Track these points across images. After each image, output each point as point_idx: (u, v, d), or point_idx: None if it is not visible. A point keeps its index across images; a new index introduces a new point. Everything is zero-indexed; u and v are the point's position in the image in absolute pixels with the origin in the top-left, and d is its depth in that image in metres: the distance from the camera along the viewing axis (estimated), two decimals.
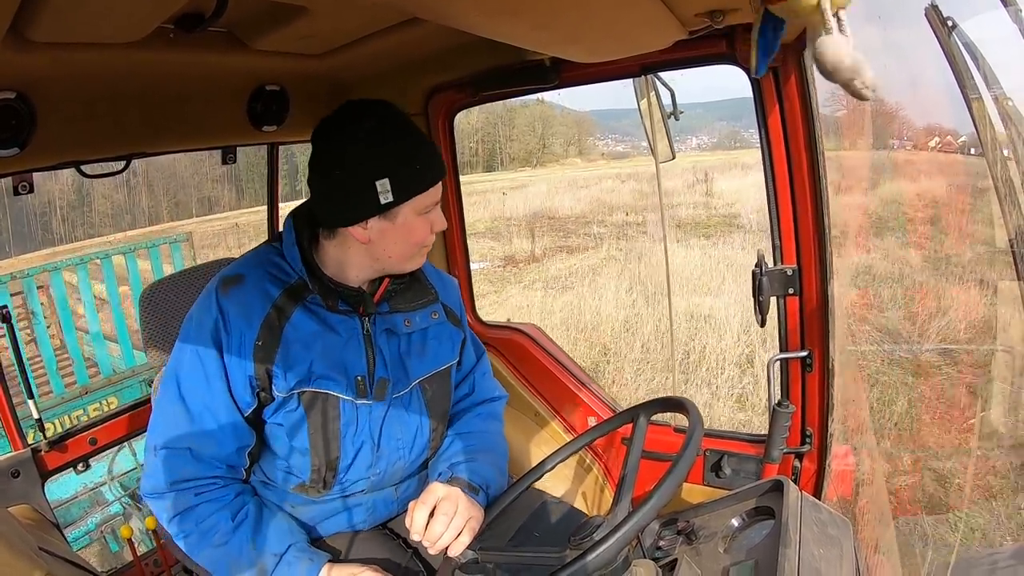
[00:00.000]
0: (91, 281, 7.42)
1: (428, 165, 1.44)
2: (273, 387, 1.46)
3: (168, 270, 7.97)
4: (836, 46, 0.76)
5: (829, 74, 0.77)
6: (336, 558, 1.55)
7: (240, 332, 1.43)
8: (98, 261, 7.56)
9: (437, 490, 1.47)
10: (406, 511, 1.71)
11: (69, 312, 7.23)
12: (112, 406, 6.63)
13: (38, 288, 7.25)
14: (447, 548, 1.40)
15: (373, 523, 1.70)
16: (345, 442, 1.52)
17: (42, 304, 7.24)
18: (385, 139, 1.41)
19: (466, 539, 1.41)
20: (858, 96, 0.77)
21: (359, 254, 1.49)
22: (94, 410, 6.58)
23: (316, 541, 1.62)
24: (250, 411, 1.47)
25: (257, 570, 1.42)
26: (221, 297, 1.45)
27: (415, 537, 1.41)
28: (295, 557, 1.44)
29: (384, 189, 1.39)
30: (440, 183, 1.47)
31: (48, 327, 7.28)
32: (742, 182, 24.34)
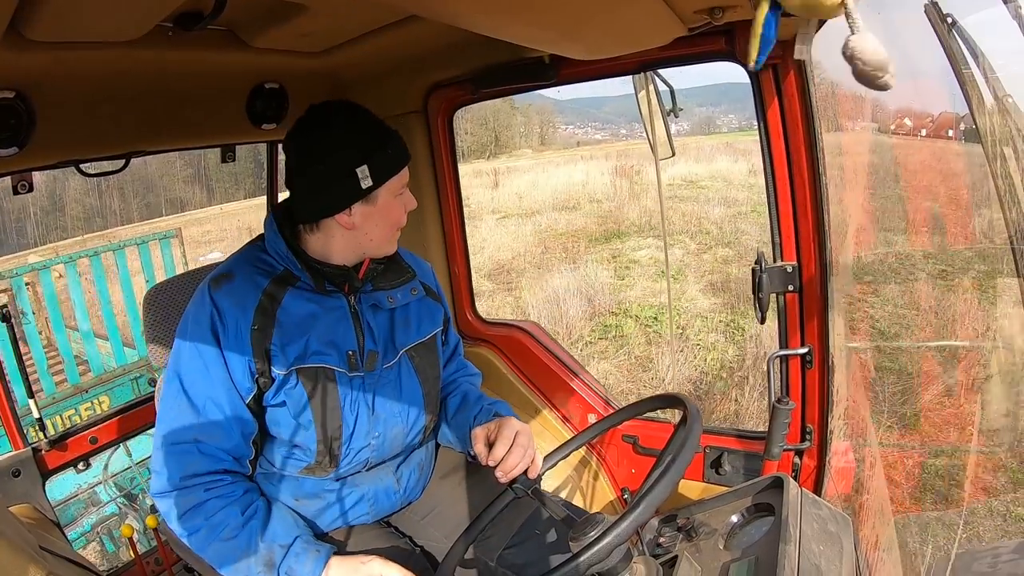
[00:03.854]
0: (80, 279, 7.36)
1: (397, 149, 1.55)
2: (272, 368, 1.51)
3: (158, 266, 7.98)
4: (872, 43, 0.76)
5: (866, 72, 0.77)
6: (341, 552, 1.56)
7: (236, 321, 1.50)
8: (87, 259, 7.50)
9: (514, 423, 1.61)
10: (408, 505, 1.79)
11: (59, 311, 7.20)
12: (104, 405, 6.65)
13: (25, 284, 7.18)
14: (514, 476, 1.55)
15: (376, 516, 1.73)
16: (345, 412, 1.58)
17: (31, 303, 7.19)
18: (358, 131, 1.52)
19: (539, 460, 1.60)
20: (883, 88, 0.77)
21: (343, 241, 1.59)
22: (86, 409, 6.55)
23: (320, 536, 1.63)
24: (250, 397, 1.51)
25: (264, 561, 1.44)
26: (214, 292, 1.52)
27: (491, 464, 1.54)
28: (302, 548, 1.46)
29: (364, 175, 1.50)
30: (407, 167, 1.58)
31: (39, 329, 7.26)
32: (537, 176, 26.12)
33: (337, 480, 1.65)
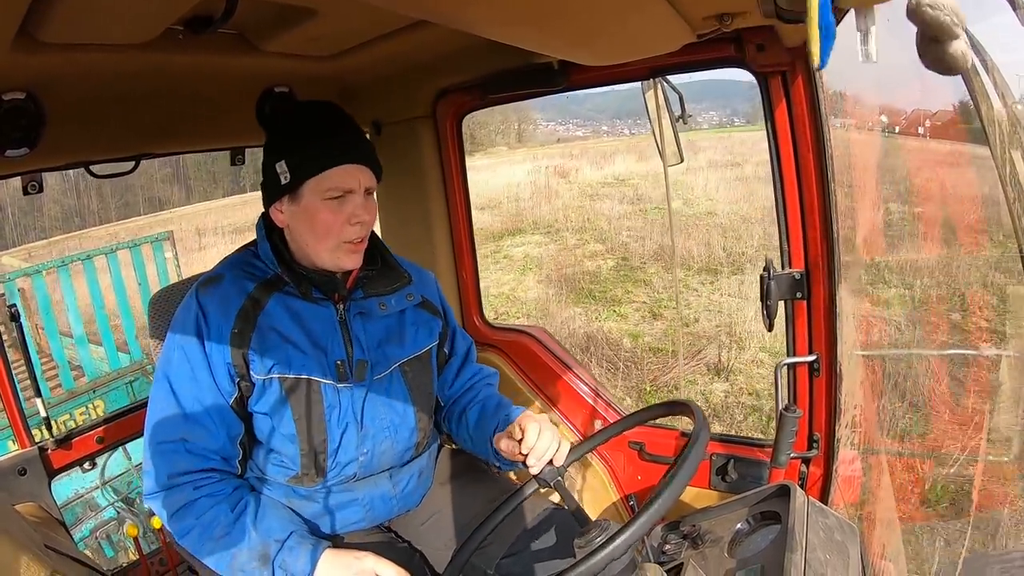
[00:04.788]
0: (73, 283, 7.37)
1: (331, 147, 1.49)
2: (251, 372, 1.51)
3: (151, 269, 8.00)
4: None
5: (937, 17, 0.72)
6: None
7: (218, 323, 1.51)
8: (80, 263, 7.51)
9: (534, 416, 1.59)
10: (408, 511, 1.76)
11: (52, 316, 7.20)
12: (99, 409, 6.67)
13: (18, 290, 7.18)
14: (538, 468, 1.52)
15: (373, 521, 1.72)
16: (330, 425, 1.56)
17: (23, 307, 7.15)
18: (290, 125, 1.53)
19: (566, 447, 1.55)
20: (952, 35, 0.72)
21: (295, 244, 1.58)
22: (80, 414, 6.58)
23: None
24: (233, 400, 1.52)
25: (259, 556, 1.44)
26: (200, 295, 1.54)
27: (525, 452, 1.51)
28: (297, 542, 1.45)
29: (283, 170, 1.49)
30: (358, 170, 1.52)
31: (33, 334, 7.26)
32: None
33: (328, 488, 1.63)
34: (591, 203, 17.78)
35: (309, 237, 1.53)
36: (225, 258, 1.66)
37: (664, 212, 15.43)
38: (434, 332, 1.78)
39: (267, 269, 1.59)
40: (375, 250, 1.70)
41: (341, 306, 1.60)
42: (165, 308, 1.85)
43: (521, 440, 1.53)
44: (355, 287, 1.64)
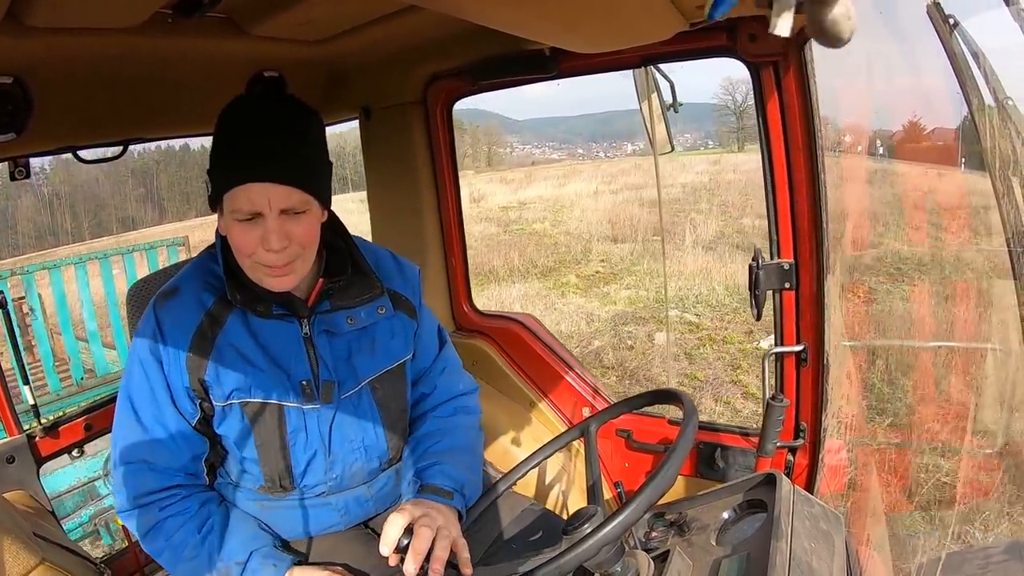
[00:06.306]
0: (90, 280, 7.42)
1: (242, 160, 1.31)
2: (211, 397, 1.44)
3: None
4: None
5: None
6: (318, 560, 1.53)
7: (175, 343, 1.42)
8: (96, 261, 7.58)
9: (414, 506, 1.41)
10: (386, 510, 1.67)
11: (67, 310, 7.21)
12: None
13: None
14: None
15: (349, 523, 1.65)
16: (295, 450, 1.49)
17: (40, 302, 7.23)
18: (219, 134, 1.36)
19: (442, 557, 1.33)
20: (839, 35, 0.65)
21: None
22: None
23: (298, 543, 1.59)
24: (195, 421, 1.46)
25: None
26: (158, 310, 1.44)
27: (385, 551, 1.31)
28: (259, 564, 1.42)
29: (208, 180, 1.37)
30: (267, 189, 1.30)
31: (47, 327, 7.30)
32: None
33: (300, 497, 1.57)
34: (472, 226, 18.67)
35: (239, 255, 1.38)
36: (187, 264, 1.56)
37: (524, 232, 17.07)
38: (409, 341, 1.64)
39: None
40: (346, 257, 1.56)
41: (306, 321, 1.48)
42: (143, 301, 1.81)
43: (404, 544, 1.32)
44: (320, 300, 1.50)
